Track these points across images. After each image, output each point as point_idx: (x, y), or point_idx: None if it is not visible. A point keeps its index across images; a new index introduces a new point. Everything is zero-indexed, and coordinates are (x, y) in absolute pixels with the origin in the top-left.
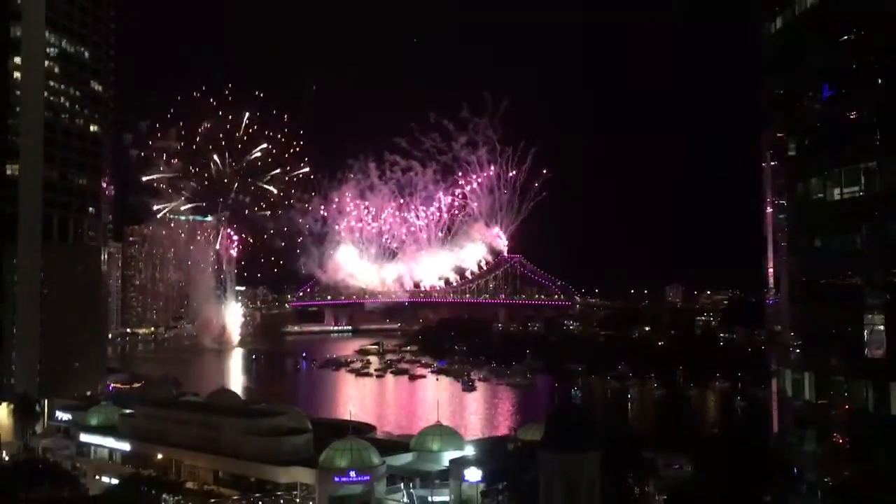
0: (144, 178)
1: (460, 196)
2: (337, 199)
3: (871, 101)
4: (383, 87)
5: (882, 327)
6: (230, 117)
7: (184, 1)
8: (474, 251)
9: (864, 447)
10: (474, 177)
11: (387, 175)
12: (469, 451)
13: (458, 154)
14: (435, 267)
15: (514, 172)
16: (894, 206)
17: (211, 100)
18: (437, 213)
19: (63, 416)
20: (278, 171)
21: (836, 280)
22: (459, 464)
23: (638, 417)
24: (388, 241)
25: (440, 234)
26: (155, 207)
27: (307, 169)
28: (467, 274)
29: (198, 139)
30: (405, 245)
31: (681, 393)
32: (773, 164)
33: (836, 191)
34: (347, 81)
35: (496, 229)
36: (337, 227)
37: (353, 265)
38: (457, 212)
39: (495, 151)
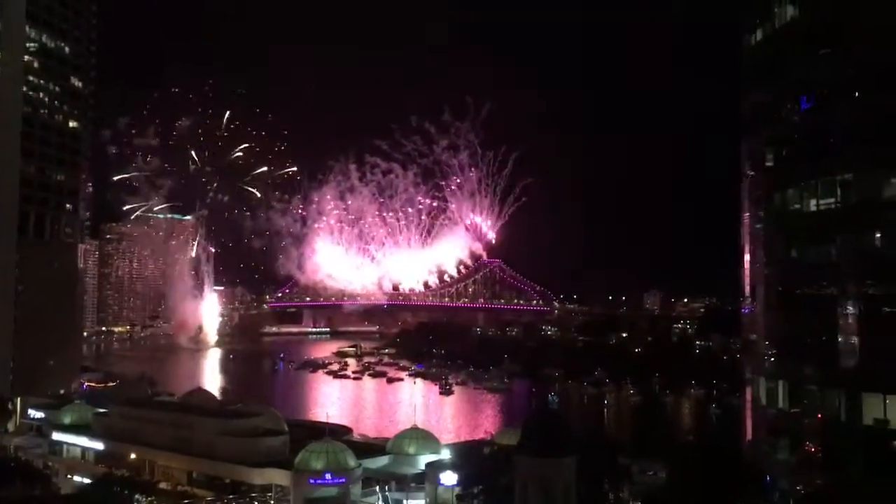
0: (122, 176)
1: (441, 199)
2: (317, 200)
3: (849, 113)
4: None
5: (855, 337)
6: (210, 113)
7: None
8: (454, 255)
9: (837, 456)
10: (455, 180)
11: (367, 177)
12: (445, 454)
13: (439, 157)
14: (414, 270)
15: (495, 176)
16: (869, 218)
17: (190, 96)
18: (417, 216)
19: (36, 414)
20: (264, 169)
21: (811, 290)
22: (435, 467)
23: (614, 423)
24: (368, 242)
25: (420, 236)
26: (131, 206)
27: (294, 168)
28: (446, 277)
29: (175, 136)
30: (385, 247)
31: (657, 399)
32: (751, 173)
33: (813, 202)
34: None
35: (476, 233)
36: (316, 227)
37: (332, 267)
38: (437, 215)
39: (477, 155)
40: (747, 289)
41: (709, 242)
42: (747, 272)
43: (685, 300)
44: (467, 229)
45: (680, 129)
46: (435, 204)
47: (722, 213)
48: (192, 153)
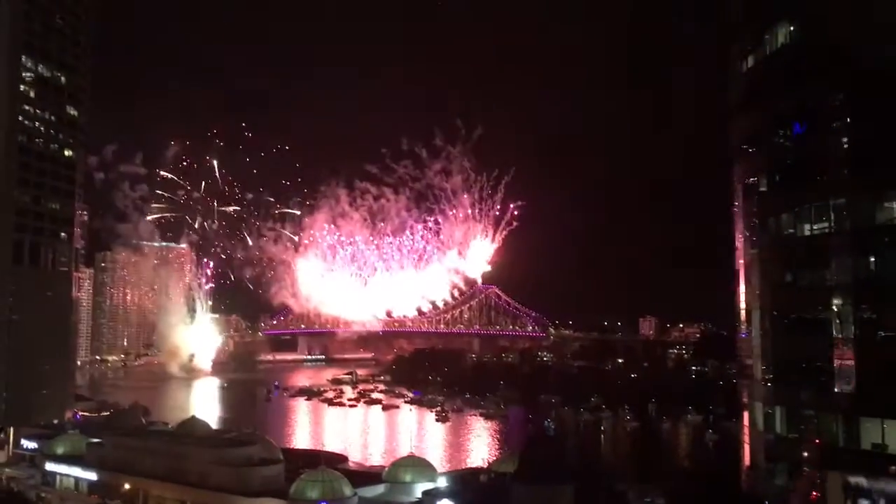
0: (111, 203)
1: (433, 223)
2: (308, 227)
3: (841, 138)
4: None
5: (851, 362)
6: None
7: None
8: (447, 280)
9: None
10: (448, 204)
11: (358, 202)
12: (442, 482)
13: (431, 181)
14: (408, 296)
15: (487, 200)
16: (863, 242)
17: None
18: (410, 241)
19: (29, 444)
20: (251, 196)
21: (807, 314)
22: (432, 495)
23: (611, 450)
24: (361, 268)
25: (413, 262)
26: (121, 234)
27: (298, 212)
28: (440, 303)
29: (163, 163)
30: (377, 273)
31: (653, 426)
32: (744, 198)
33: (807, 226)
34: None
35: (470, 258)
36: (309, 254)
37: (326, 293)
38: (430, 239)
39: (469, 179)
40: (742, 313)
41: (703, 267)
42: (742, 297)
43: (680, 325)
44: (460, 254)
45: (673, 153)
46: (427, 228)
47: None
48: (184, 182)
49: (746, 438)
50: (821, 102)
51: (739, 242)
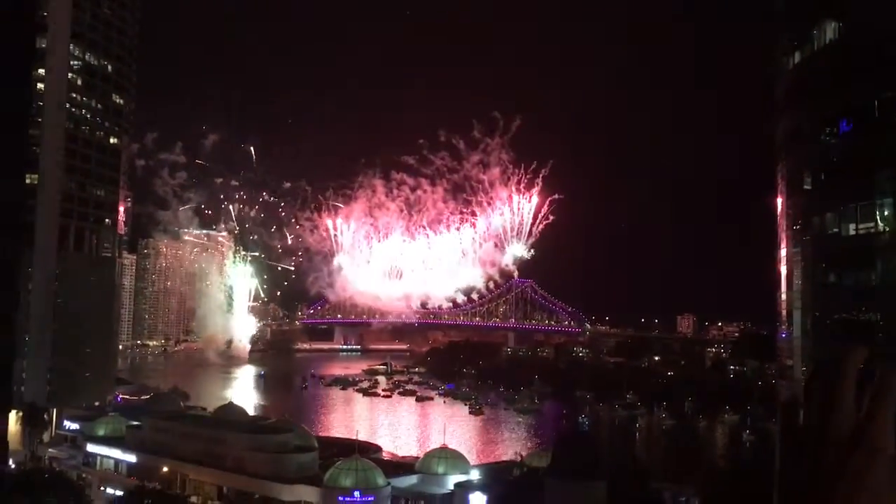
0: (151, 190)
1: (470, 215)
2: (345, 217)
3: (888, 136)
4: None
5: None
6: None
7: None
8: (484, 273)
9: None
10: (485, 196)
11: (394, 193)
12: (474, 475)
13: (468, 173)
14: (444, 288)
15: (527, 194)
16: None
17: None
18: (447, 233)
19: (71, 425)
20: (288, 185)
21: (850, 315)
22: (464, 488)
23: (645, 447)
24: (397, 259)
25: (450, 254)
26: (161, 220)
27: (338, 203)
28: (475, 296)
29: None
30: (413, 264)
31: (689, 424)
32: (788, 197)
33: (852, 226)
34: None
35: (507, 251)
36: (345, 245)
37: (362, 284)
38: (467, 231)
39: (507, 171)
40: (783, 313)
41: (744, 266)
42: (783, 296)
43: (719, 324)
44: (497, 247)
45: (715, 149)
46: (464, 220)
47: (757, 236)
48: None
49: None
50: (868, 101)
51: (782, 241)
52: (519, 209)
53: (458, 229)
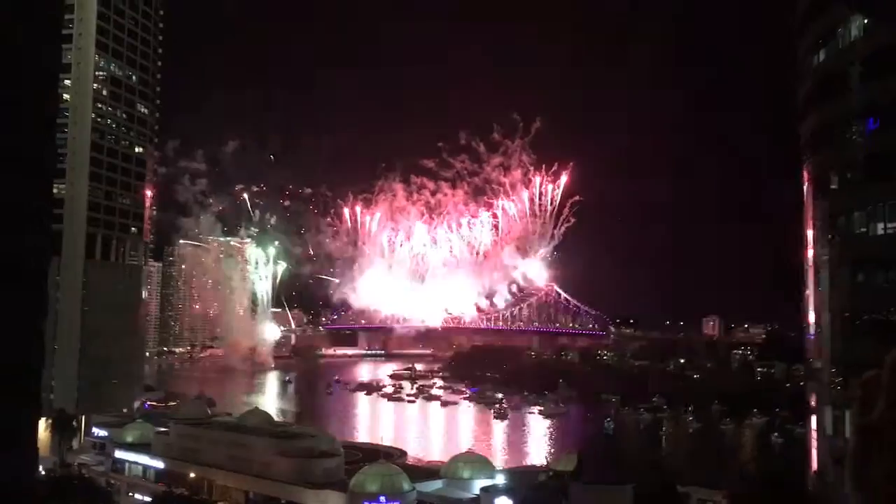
0: (173, 198)
1: (491, 217)
2: (366, 222)
3: None
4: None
5: None
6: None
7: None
8: (507, 277)
9: None
10: (506, 199)
11: (415, 196)
12: (500, 479)
13: (488, 176)
14: (466, 292)
15: (549, 196)
16: None
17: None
18: (469, 237)
19: (99, 432)
20: (309, 190)
21: (879, 316)
22: (490, 492)
23: (671, 451)
24: (419, 264)
25: (472, 257)
26: (183, 227)
27: (358, 207)
28: (499, 300)
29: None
30: (436, 269)
31: (716, 427)
32: (814, 196)
33: (880, 225)
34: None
35: (529, 255)
36: (367, 250)
37: (384, 289)
38: (489, 234)
39: (528, 173)
40: (811, 315)
41: (770, 267)
42: (811, 297)
43: (745, 326)
44: (519, 250)
45: (741, 151)
46: (486, 226)
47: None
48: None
49: (814, 443)
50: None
51: (808, 241)
52: (541, 211)
53: (479, 232)
